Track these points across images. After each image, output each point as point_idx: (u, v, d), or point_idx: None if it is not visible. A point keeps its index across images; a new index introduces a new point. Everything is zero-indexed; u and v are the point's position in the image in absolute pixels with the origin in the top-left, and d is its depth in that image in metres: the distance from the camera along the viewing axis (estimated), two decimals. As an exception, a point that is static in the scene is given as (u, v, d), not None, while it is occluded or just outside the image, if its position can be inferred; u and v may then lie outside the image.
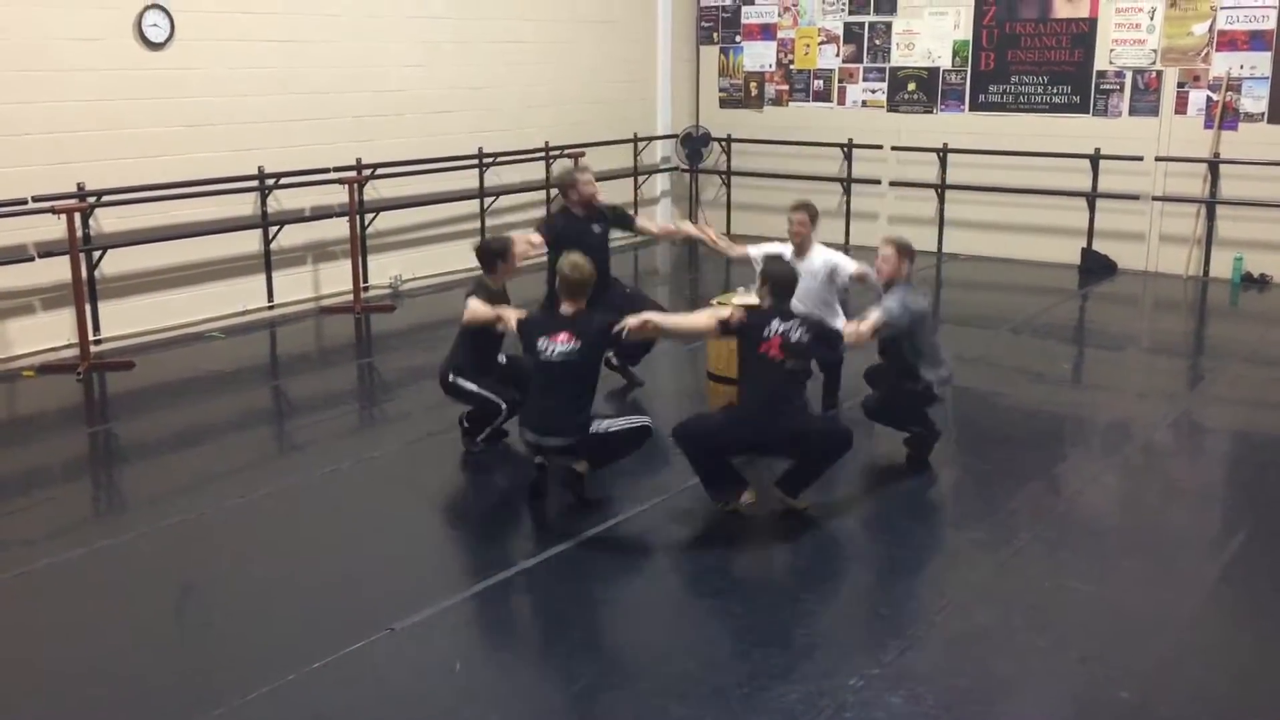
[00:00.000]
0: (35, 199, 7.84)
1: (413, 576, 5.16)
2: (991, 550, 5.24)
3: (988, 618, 4.64)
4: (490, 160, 11.13)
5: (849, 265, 6.87)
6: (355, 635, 4.44)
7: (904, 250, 6.09)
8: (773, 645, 4.45)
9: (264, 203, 9.44)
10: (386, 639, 4.47)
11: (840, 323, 6.32)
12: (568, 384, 5.57)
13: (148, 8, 8.48)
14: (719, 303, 6.57)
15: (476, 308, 6.12)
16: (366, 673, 4.25)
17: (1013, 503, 5.79)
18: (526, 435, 5.68)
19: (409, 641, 4.50)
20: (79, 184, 8.18)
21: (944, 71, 12.20)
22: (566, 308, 5.65)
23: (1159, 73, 11.06)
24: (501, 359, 6.43)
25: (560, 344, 5.51)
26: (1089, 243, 11.54)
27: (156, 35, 8.55)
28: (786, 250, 6.86)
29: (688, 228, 7.81)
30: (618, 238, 7.99)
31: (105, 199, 8.31)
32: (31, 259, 7.99)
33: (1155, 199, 11.21)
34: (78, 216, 7.94)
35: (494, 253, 6.38)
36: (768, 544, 5.46)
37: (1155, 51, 11.05)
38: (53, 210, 7.76)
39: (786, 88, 13.25)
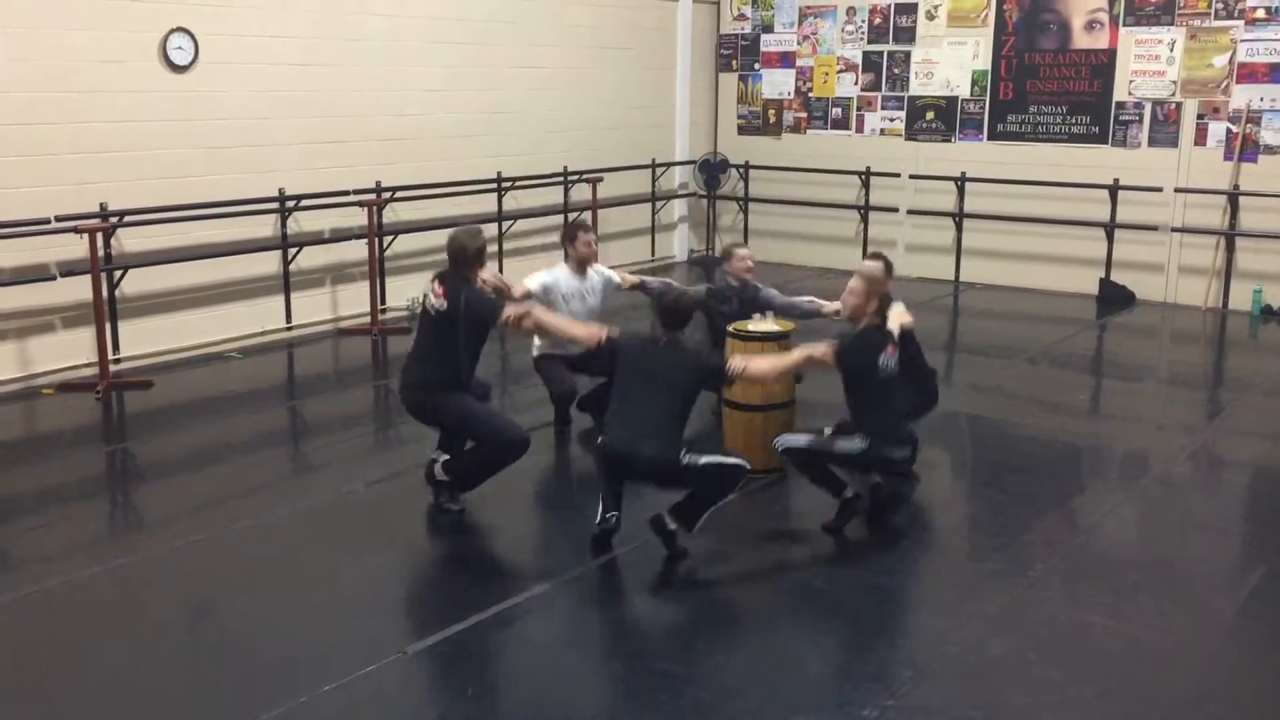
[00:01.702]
0: (58, 218, 7.91)
1: (426, 600, 5.16)
2: (1007, 581, 5.21)
3: (1003, 650, 4.60)
4: (509, 185, 11.19)
5: (615, 276, 7.43)
6: (367, 658, 4.44)
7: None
8: (786, 675, 4.43)
9: (284, 224, 9.50)
10: (399, 662, 4.46)
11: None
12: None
13: (173, 31, 8.57)
14: (735, 329, 6.59)
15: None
16: (378, 696, 4.24)
17: (1029, 534, 5.76)
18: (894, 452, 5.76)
19: (422, 665, 4.50)
20: (102, 204, 8.25)
21: (962, 100, 12.23)
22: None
23: (1178, 104, 11.05)
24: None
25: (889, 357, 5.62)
26: (1107, 273, 11.52)
27: (181, 58, 8.64)
28: (559, 273, 7.15)
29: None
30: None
31: (127, 219, 8.38)
32: (53, 278, 8.05)
33: (1174, 230, 11.18)
34: (100, 236, 8.01)
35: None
36: (780, 574, 5.44)
37: (1175, 83, 11.05)
38: (75, 230, 7.83)
39: (805, 115, 13.29)
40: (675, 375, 5.41)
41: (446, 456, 5.97)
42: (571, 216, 11.54)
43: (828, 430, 6.13)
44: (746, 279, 7.31)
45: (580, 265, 7.19)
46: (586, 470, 6.66)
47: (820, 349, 5.66)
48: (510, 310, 5.82)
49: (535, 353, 7.24)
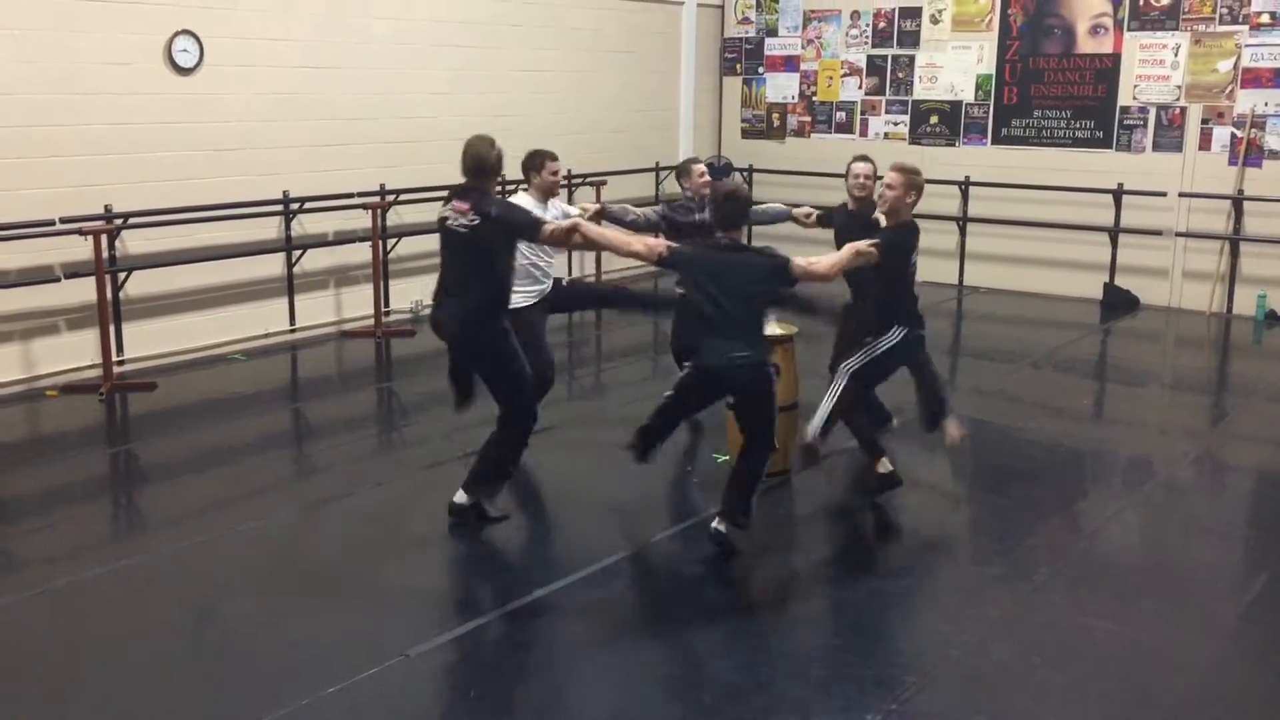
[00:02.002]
0: (63, 220, 7.92)
1: (429, 603, 5.16)
2: (1011, 586, 5.20)
3: (1006, 655, 4.60)
4: (512, 187, 11.17)
5: (574, 210, 7.18)
6: (370, 661, 4.44)
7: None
8: (789, 679, 4.43)
9: (288, 227, 9.51)
10: (401, 665, 4.46)
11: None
12: None
13: (178, 33, 8.58)
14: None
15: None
16: (381, 699, 4.24)
17: (1032, 539, 5.75)
18: None
19: (424, 668, 4.49)
20: (106, 206, 8.27)
21: (966, 105, 12.22)
22: None
23: (1183, 109, 11.04)
24: None
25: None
26: (1111, 278, 11.51)
27: (186, 60, 8.65)
28: (524, 200, 6.59)
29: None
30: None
31: (131, 221, 8.39)
32: (58, 279, 8.06)
33: (1178, 235, 11.17)
34: (104, 238, 8.01)
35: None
36: (783, 577, 5.43)
37: (1179, 88, 11.04)
38: (80, 232, 7.84)
39: (809, 119, 13.29)
40: (747, 275, 5.28)
41: (462, 496, 5.75)
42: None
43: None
44: (704, 193, 7.14)
45: (544, 195, 6.65)
46: (587, 472, 6.66)
47: (864, 244, 5.60)
48: (556, 223, 5.53)
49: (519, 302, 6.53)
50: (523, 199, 6.63)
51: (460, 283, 5.52)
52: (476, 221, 5.37)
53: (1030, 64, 11.81)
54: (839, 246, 5.95)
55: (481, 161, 5.45)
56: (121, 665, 4.52)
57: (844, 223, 6.63)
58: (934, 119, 12.44)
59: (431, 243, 10.28)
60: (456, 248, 5.51)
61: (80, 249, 7.99)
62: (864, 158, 6.81)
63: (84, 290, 8.08)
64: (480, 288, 5.47)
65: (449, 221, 5.49)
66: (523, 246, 6.01)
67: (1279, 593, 5.19)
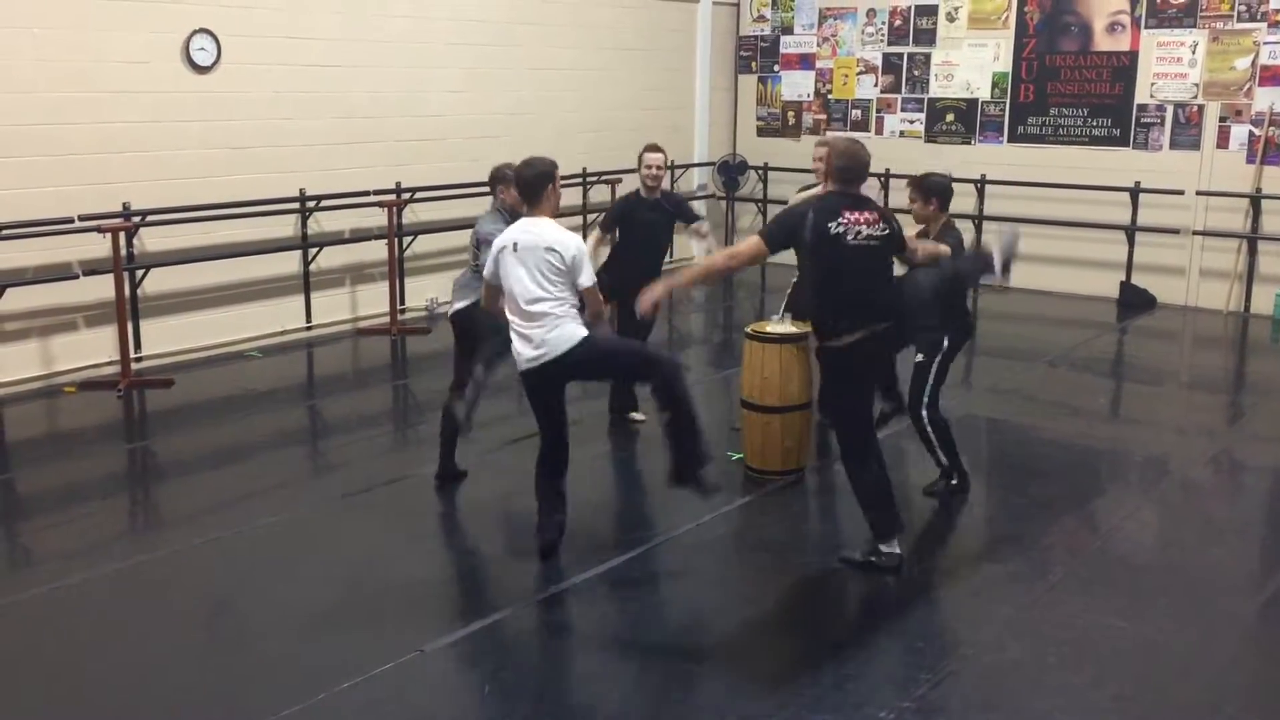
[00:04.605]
0: (81, 218, 7.97)
1: (444, 598, 5.18)
2: (1026, 584, 5.19)
3: (1021, 653, 4.59)
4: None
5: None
6: (385, 656, 4.46)
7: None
8: (803, 676, 4.43)
9: (304, 225, 9.55)
10: (416, 660, 4.48)
11: None
12: None
13: (196, 32, 8.62)
14: (754, 330, 6.59)
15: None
16: (395, 694, 4.26)
17: (1048, 537, 5.74)
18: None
19: (439, 664, 4.51)
20: (124, 204, 8.31)
21: (983, 103, 12.19)
22: None
23: (1200, 107, 10.99)
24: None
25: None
26: (1128, 276, 11.46)
27: (204, 59, 8.69)
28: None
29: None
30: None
31: (149, 219, 8.43)
32: (76, 277, 8.12)
33: (1196, 233, 11.12)
34: (122, 235, 8.06)
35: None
36: (798, 574, 5.43)
37: (1197, 85, 10.99)
38: (98, 229, 7.89)
39: (824, 117, 13.28)
40: None
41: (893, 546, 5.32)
42: (591, 218, 11.56)
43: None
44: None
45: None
46: (602, 467, 6.67)
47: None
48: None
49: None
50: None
51: (875, 293, 5.21)
52: (888, 232, 5.16)
53: (1047, 62, 11.77)
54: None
55: (866, 165, 5.20)
56: (137, 661, 4.55)
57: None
58: (950, 117, 12.42)
59: (444, 240, 10.42)
60: (863, 259, 5.13)
61: (98, 246, 8.04)
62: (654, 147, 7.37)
63: (102, 287, 8.13)
64: (890, 298, 5.26)
65: (851, 236, 5.08)
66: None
67: (1296, 592, 5.17)
